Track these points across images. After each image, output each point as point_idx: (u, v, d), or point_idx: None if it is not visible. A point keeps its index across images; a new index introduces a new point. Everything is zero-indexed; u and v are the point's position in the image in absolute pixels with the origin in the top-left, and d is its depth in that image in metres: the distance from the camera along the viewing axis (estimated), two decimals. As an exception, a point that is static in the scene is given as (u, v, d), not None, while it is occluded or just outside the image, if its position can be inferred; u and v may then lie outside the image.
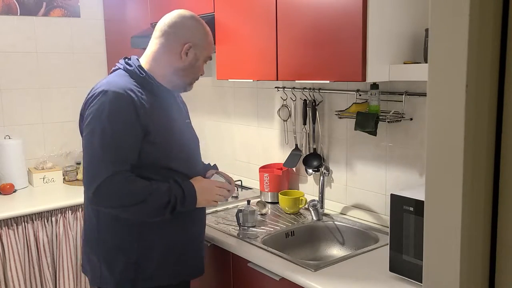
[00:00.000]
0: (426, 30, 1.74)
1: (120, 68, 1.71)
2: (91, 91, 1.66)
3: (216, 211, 2.30)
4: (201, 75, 1.79)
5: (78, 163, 3.09)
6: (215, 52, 2.29)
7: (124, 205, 1.54)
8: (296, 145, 2.46)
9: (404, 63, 1.77)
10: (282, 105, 2.49)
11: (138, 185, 1.55)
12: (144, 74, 1.66)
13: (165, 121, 1.65)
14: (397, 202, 1.55)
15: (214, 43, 2.27)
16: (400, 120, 1.94)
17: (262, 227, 2.10)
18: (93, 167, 1.53)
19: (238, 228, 2.08)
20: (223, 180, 1.79)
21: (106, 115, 1.53)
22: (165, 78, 1.70)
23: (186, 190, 1.62)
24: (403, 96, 1.91)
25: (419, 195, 1.51)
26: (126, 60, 1.73)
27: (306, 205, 2.27)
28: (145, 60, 1.72)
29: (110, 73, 1.75)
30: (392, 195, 1.56)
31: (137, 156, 1.58)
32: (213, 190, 1.71)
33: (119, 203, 1.54)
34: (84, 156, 1.58)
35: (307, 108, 2.35)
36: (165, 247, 1.68)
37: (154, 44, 1.72)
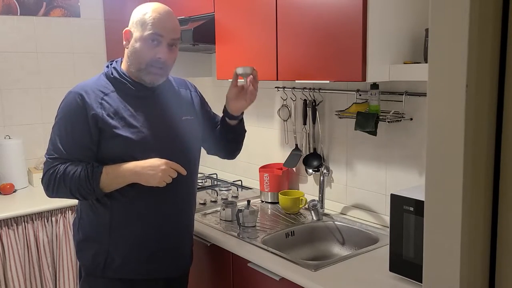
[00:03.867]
0: (426, 30, 1.74)
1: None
2: None
3: (216, 211, 2.30)
4: (159, 58, 1.65)
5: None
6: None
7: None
8: (296, 145, 2.46)
9: (404, 63, 1.77)
10: (282, 105, 2.49)
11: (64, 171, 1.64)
12: (116, 74, 1.69)
13: (134, 118, 1.66)
14: (397, 202, 1.54)
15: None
16: (400, 120, 1.94)
17: (262, 227, 2.10)
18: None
19: (238, 228, 2.08)
20: (247, 71, 1.81)
21: (60, 114, 1.67)
22: (130, 73, 1.71)
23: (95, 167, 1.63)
24: (403, 96, 1.91)
25: (419, 195, 1.51)
26: (111, 62, 1.76)
27: (306, 205, 2.26)
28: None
29: None
30: (392, 195, 1.56)
31: (89, 151, 1.64)
32: (162, 168, 1.63)
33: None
34: None
35: (307, 108, 2.35)
36: (133, 242, 1.71)
37: None
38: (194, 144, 1.84)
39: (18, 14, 2.96)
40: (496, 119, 0.70)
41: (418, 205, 1.49)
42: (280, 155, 2.59)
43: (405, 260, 1.54)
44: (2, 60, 2.93)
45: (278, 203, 2.40)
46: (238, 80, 1.86)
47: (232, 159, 2.05)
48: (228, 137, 1.93)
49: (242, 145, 2.00)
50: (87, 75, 3.22)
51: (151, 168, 1.61)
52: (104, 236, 1.70)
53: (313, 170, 2.33)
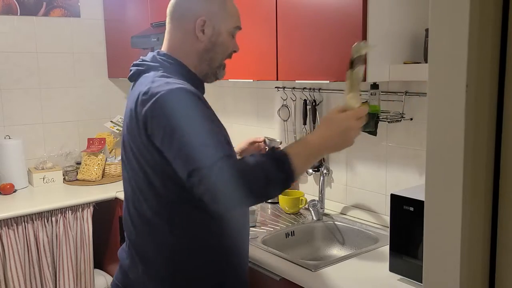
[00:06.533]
0: (426, 30, 1.74)
1: (153, 69, 1.43)
2: (141, 94, 1.34)
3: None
4: (235, 51, 1.51)
5: (78, 163, 3.10)
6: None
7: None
8: (296, 145, 2.46)
9: (404, 63, 1.77)
10: (282, 105, 2.49)
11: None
12: (185, 71, 1.44)
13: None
14: (397, 202, 1.54)
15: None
16: (400, 120, 1.94)
17: (262, 227, 2.10)
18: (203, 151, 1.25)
19: (238, 228, 2.07)
20: (274, 144, 1.77)
21: (195, 107, 1.30)
22: (196, 68, 1.47)
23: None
24: (403, 96, 1.91)
25: (419, 195, 1.51)
26: (154, 55, 1.47)
27: (306, 205, 2.27)
28: (171, 54, 1.46)
29: (138, 77, 1.46)
30: (392, 195, 1.56)
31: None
32: (351, 125, 1.30)
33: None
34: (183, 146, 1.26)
35: (307, 108, 2.35)
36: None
37: (167, 33, 1.49)
38: None
39: (18, 14, 2.96)
40: (496, 119, 0.70)
41: (418, 205, 1.49)
42: (280, 155, 2.59)
43: (405, 260, 1.54)
44: (2, 60, 2.93)
45: (278, 203, 2.40)
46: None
47: None
48: None
49: None
50: (87, 75, 3.26)
51: (343, 128, 1.28)
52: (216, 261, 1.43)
53: (313, 170, 2.33)
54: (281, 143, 1.89)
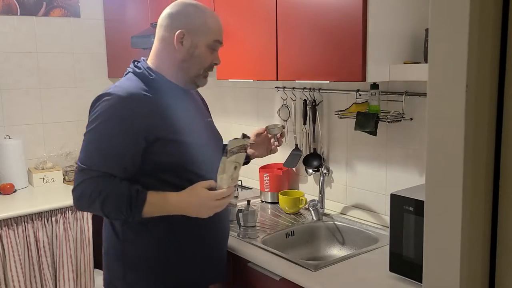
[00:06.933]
0: (426, 30, 1.74)
1: (130, 72, 1.61)
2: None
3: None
4: (216, 64, 1.63)
5: (78, 163, 3.09)
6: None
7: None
8: (296, 145, 2.46)
9: (404, 63, 1.77)
10: (282, 105, 2.49)
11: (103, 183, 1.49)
12: (154, 75, 1.57)
13: (179, 122, 1.56)
14: (397, 202, 1.54)
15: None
16: (400, 120, 1.94)
17: (262, 227, 2.10)
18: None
19: (238, 228, 2.08)
20: (277, 131, 1.85)
21: (100, 118, 1.47)
22: (173, 75, 1.59)
23: (141, 194, 1.48)
24: (403, 96, 1.91)
25: (419, 195, 1.51)
26: (135, 63, 1.62)
27: (306, 205, 2.26)
28: (151, 60, 1.62)
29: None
30: (392, 195, 1.56)
31: (136, 160, 1.49)
32: (208, 204, 1.51)
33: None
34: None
35: (307, 108, 2.35)
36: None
37: (155, 40, 1.63)
38: (220, 146, 1.76)
39: (18, 14, 2.96)
40: (496, 119, 0.70)
41: (418, 205, 1.49)
42: (280, 155, 2.59)
43: (405, 260, 1.54)
44: (2, 60, 2.93)
45: (278, 203, 2.40)
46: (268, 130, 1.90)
47: None
48: None
49: None
50: (87, 75, 3.26)
51: (198, 204, 1.50)
52: (170, 257, 1.59)
53: (313, 170, 2.33)
54: (283, 127, 1.91)
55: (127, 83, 1.54)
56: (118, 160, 1.48)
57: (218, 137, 1.78)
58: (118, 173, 1.48)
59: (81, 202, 1.49)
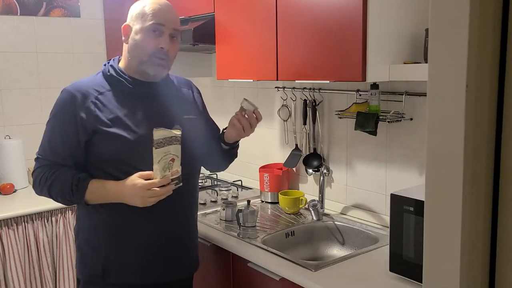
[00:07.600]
0: (426, 30, 1.74)
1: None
2: None
3: (216, 211, 2.30)
4: (162, 48, 1.61)
5: (78, 163, 3.10)
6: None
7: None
8: (296, 145, 2.46)
9: (404, 63, 1.77)
10: (282, 105, 2.49)
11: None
12: (112, 72, 1.66)
13: (121, 116, 1.60)
14: (397, 202, 1.55)
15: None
16: (400, 120, 1.94)
17: (262, 227, 2.10)
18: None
19: (238, 228, 2.08)
20: (251, 108, 1.74)
21: (52, 112, 1.67)
22: (131, 70, 1.66)
23: (83, 179, 1.59)
24: (403, 96, 1.91)
25: (419, 195, 1.51)
26: (108, 60, 1.73)
27: (306, 205, 2.26)
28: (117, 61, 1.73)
29: None
30: (392, 195, 1.56)
31: (82, 150, 1.61)
32: (140, 193, 1.54)
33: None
34: None
35: (307, 108, 2.35)
36: (134, 247, 1.67)
37: None
38: (197, 143, 1.74)
39: (18, 14, 2.96)
40: (496, 119, 0.70)
41: (418, 205, 1.49)
42: (280, 155, 2.59)
43: (405, 260, 1.54)
44: (2, 60, 2.93)
45: (278, 203, 2.40)
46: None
47: (215, 172, 2.02)
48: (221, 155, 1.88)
49: (227, 166, 1.96)
50: (87, 75, 3.23)
51: (131, 193, 1.55)
52: (102, 241, 1.66)
53: (313, 170, 2.33)
54: (257, 108, 1.77)
55: (85, 79, 1.69)
56: (65, 150, 1.61)
57: (190, 134, 1.70)
58: (68, 162, 1.62)
59: (35, 187, 1.68)
